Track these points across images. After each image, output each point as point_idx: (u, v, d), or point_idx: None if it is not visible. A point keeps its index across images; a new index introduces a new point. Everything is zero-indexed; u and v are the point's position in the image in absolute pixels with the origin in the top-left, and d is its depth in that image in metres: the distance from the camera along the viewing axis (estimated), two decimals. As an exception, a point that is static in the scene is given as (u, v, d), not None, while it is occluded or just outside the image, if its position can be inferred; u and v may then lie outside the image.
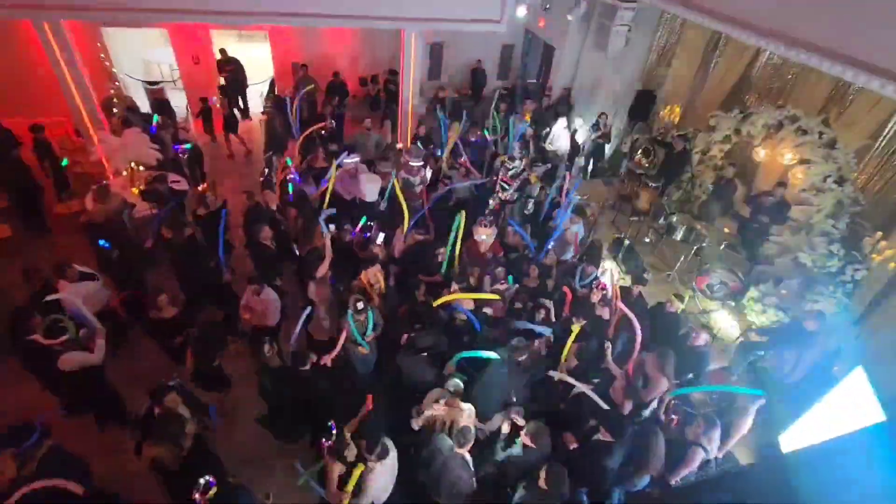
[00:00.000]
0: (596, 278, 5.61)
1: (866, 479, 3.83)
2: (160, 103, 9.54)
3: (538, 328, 4.76)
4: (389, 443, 3.55)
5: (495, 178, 7.13)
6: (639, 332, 4.65)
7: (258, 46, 11.62)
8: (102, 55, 9.49)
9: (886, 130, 6.01)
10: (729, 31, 6.48)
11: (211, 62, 10.38)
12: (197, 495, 3.05)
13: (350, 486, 3.27)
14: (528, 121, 9.76)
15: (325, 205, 6.09)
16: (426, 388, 4.24)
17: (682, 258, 7.24)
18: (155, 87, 10.06)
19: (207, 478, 3.08)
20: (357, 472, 3.29)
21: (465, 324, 4.83)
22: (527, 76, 12.79)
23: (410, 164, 6.79)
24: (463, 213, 5.66)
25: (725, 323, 6.55)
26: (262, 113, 10.27)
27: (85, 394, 4.55)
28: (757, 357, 5.30)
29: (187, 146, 7.75)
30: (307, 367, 4.19)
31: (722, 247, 7.27)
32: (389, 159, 7.50)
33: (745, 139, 7.51)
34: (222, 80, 10.15)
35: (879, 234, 5.77)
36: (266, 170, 7.22)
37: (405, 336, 4.64)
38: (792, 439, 4.71)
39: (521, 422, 3.83)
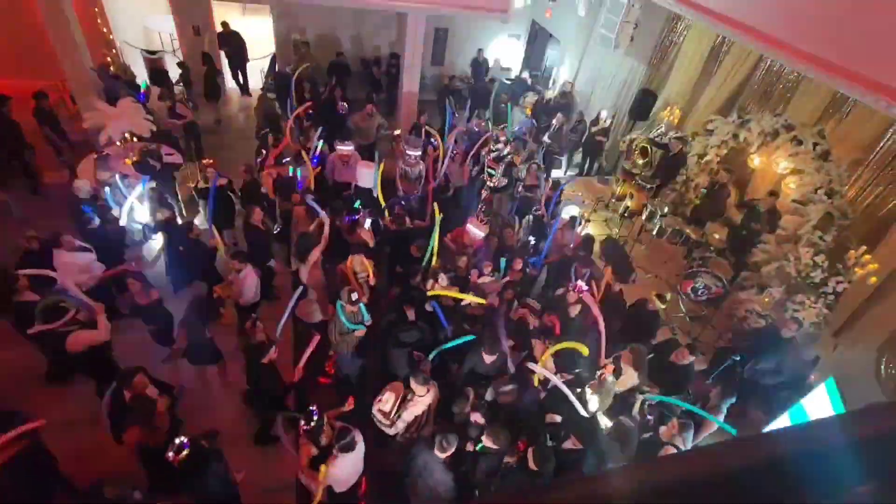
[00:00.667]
0: (592, 277, 5.64)
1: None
2: (158, 73, 9.42)
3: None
4: (359, 437, 3.63)
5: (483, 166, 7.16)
6: (602, 328, 4.72)
7: (261, 21, 11.44)
8: (100, 20, 9.33)
9: (879, 146, 6.05)
10: (733, 35, 6.46)
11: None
12: (171, 454, 3.14)
13: (322, 477, 3.39)
14: (528, 113, 9.75)
15: (314, 188, 6.11)
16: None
17: (669, 260, 7.31)
18: (154, 56, 9.92)
19: (182, 438, 3.18)
20: (324, 469, 3.40)
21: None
22: (530, 68, 12.68)
23: (408, 153, 6.78)
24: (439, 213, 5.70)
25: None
26: (262, 89, 10.20)
27: (93, 370, 4.55)
28: (733, 361, 5.40)
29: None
30: (265, 360, 4.16)
31: (711, 251, 7.34)
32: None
33: (741, 145, 7.54)
34: (223, 54, 10.02)
35: (864, 248, 5.84)
36: (263, 150, 7.19)
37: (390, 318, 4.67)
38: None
39: (481, 421, 3.92)
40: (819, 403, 4.36)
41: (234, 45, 10.20)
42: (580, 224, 6.28)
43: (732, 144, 7.66)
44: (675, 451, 4.16)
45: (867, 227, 6.21)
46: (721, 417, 4.53)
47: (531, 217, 7.05)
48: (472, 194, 7.54)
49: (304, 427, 3.50)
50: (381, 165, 6.60)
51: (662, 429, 4.34)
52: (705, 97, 8.42)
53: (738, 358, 5.21)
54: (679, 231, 7.68)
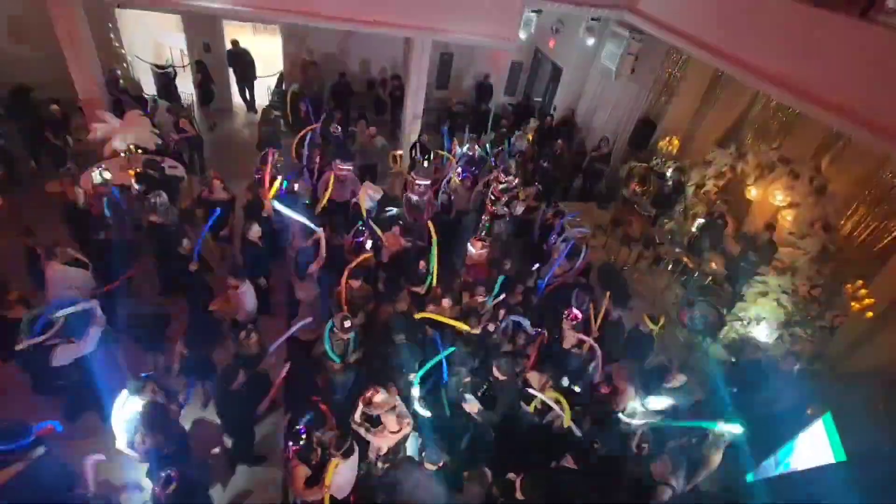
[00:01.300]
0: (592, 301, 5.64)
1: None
2: (167, 87, 9.58)
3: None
4: (355, 443, 3.62)
5: (487, 191, 7.21)
6: (598, 356, 4.70)
7: (270, 40, 11.69)
8: (112, 35, 9.52)
9: (874, 182, 6.12)
10: (732, 71, 6.61)
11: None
12: (157, 489, 3.05)
13: (328, 479, 3.35)
14: (529, 139, 9.88)
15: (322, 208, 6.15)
16: None
17: (667, 288, 7.32)
18: (163, 70, 10.09)
19: (169, 472, 3.06)
20: (332, 466, 3.36)
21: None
22: (533, 94, 12.92)
23: (417, 183, 6.83)
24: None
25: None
26: (268, 106, 10.34)
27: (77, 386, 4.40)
28: (730, 392, 5.35)
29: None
30: (233, 385, 4.01)
31: (708, 281, 7.35)
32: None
33: (738, 176, 7.62)
34: (231, 71, 10.21)
35: (860, 282, 5.86)
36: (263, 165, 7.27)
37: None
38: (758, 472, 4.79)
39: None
40: (816, 439, 4.30)
41: (242, 62, 10.41)
42: (583, 254, 6.32)
43: (730, 176, 7.75)
44: (669, 490, 4.07)
45: (863, 261, 6.23)
46: (720, 453, 4.45)
47: (530, 241, 7.09)
48: (474, 219, 7.63)
49: (293, 447, 3.44)
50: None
51: (653, 466, 4.19)
52: (704, 128, 8.56)
53: (734, 389, 5.17)
54: (677, 259, 7.70)
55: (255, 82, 10.91)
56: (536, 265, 6.34)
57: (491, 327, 4.98)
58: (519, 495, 3.48)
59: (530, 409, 4.46)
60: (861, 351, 5.98)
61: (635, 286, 7.76)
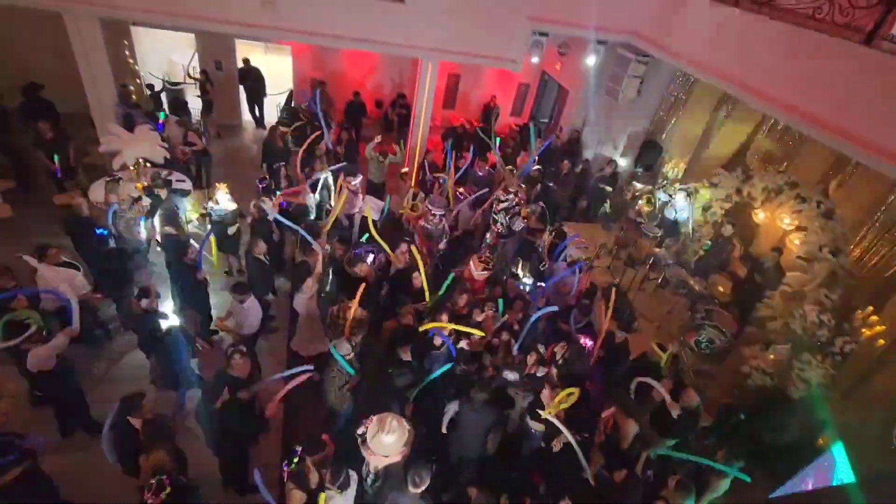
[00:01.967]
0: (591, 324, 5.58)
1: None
2: (178, 103, 9.74)
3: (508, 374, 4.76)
4: (353, 474, 3.50)
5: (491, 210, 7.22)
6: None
7: (282, 59, 11.92)
8: (127, 52, 9.75)
9: (884, 206, 6.06)
10: (738, 94, 6.64)
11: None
12: (149, 495, 2.96)
13: None
14: (535, 160, 9.92)
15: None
16: None
17: (672, 310, 7.21)
18: (175, 87, 10.29)
19: (161, 477, 2.99)
20: (322, 500, 3.23)
21: (441, 352, 4.79)
22: (539, 115, 13.03)
23: (433, 212, 6.84)
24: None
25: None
26: (277, 123, 10.48)
27: (53, 391, 4.42)
28: (738, 419, 5.21)
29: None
30: (216, 405, 3.84)
31: (715, 303, 7.24)
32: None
33: (745, 199, 7.58)
34: (242, 88, 10.39)
35: (871, 308, 5.74)
36: (267, 178, 7.35)
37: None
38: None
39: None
40: (828, 468, 4.15)
41: (253, 79, 10.60)
42: (584, 271, 6.26)
43: (736, 199, 7.71)
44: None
45: (873, 287, 6.12)
46: (727, 479, 4.32)
47: (532, 261, 7.04)
48: (478, 239, 7.62)
49: (287, 469, 3.35)
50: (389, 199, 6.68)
51: (664, 491, 4.10)
52: (710, 151, 8.56)
53: (743, 416, 5.03)
54: (683, 282, 7.60)
55: (265, 99, 11.09)
56: (528, 285, 6.30)
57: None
58: None
59: (540, 427, 4.37)
60: (875, 379, 5.83)
61: (640, 308, 7.65)
